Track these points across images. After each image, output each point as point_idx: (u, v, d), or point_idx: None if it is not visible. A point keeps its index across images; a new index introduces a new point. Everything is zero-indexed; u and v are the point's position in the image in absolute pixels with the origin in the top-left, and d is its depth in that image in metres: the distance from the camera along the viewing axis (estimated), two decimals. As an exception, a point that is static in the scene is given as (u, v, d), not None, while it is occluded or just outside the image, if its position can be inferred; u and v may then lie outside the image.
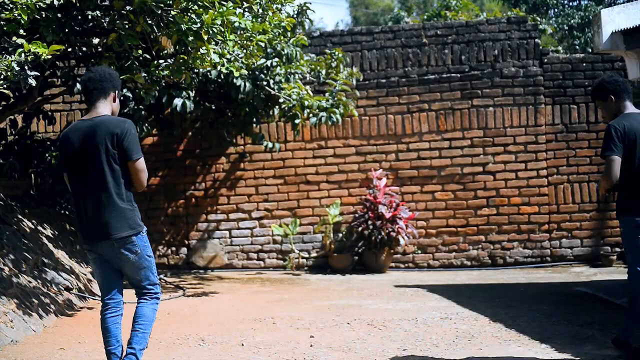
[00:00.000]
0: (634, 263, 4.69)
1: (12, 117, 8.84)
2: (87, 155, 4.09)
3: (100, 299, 4.34)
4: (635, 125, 4.68)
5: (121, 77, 6.33)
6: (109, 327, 4.19)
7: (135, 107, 8.22)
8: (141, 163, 4.16)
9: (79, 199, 4.17)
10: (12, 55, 5.15)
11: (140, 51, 6.33)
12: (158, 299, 4.29)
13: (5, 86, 5.32)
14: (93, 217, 4.11)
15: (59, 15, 5.97)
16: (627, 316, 4.80)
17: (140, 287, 4.24)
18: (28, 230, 7.63)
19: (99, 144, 4.07)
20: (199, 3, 5.77)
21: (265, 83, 8.16)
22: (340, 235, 9.86)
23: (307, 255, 9.95)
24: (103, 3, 6.20)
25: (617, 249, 9.81)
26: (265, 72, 8.09)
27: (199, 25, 5.77)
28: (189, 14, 5.81)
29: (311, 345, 5.46)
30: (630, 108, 4.81)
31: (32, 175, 9.34)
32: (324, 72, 8.83)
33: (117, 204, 4.11)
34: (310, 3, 8.94)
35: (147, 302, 4.23)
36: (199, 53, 6.05)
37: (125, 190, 4.17)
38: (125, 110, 8.41)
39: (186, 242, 10.03)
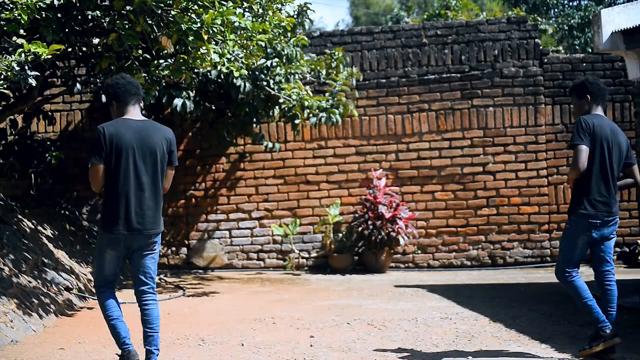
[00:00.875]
0: (564, 262, 4.96)
1: (12, 117, 8.85)
2: (143, 153, 4.47)
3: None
4: (602, 126, 4.90)
5: (121, 77, 6.34)
6: (112, 301, 4.57)
7: (135, 107, 8.21)
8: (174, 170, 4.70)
9: (123, 191, 4.40)
10: (12, 55, 5.15)
11: (140, 51, 6.33)
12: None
13: (5, 86, 5.32)
14: (139, 211, 4.43)
15: (59, 15, 5.97)
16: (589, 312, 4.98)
17: (151, 280, 4.56)
18: (28, 230, 7.63)
19: (157, 146, 4.53)
20: (199, 3, 5.77)
21: (265, 83, 8.16)
22: (340, 235, 9.86)
23: (307, 255, 9.95)
24: (103, 3, 6.20)
25: (617, 249, 9.81)
26: (265, 72, 8.09)
27: (199, 25, 5.77)
28: (189, 14, 5.81)
29: (311, 345, 5.46)
30: (599, 112, 5.03)
31: (32, 175, 9.35)
32: (324, 72, 8.83)
33: (161, 202, 4.58)
34: (311, 3, 8.95)
35: (156, 302, 4.60)
36: (199, 53, 6.05)
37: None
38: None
39: (186, 242, 10.03)
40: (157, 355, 4.50)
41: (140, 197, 4.43)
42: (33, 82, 5.27)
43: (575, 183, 4.94)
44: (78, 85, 7.71)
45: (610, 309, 4.98)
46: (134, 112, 4.66)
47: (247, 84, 7.97)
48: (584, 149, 4.81)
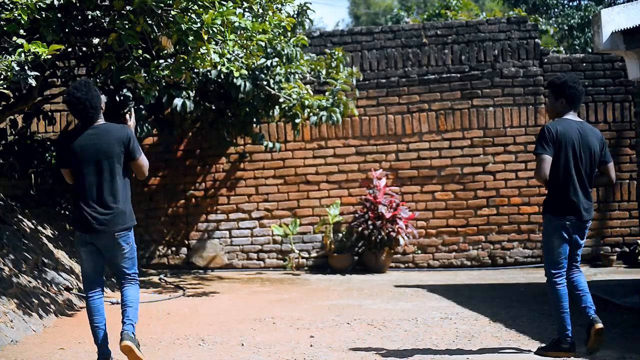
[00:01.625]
0: (548, 264, 5.06)
1: (12, 117, 8.84)
2: (98, 157, 4.79)
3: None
4: (568, 131, 4.97)
5: (121, 77, 6.35)
6: (99, 307, 4.86)
7: (135, 107, 8.22)
8: None
9: (83, 194, 4.79)
10: (12, 55, 5.15)
11: (140, 51, 6.33)
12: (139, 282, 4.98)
13: (5, 86, 5.31)
14: (98, 211, 4.76)
15: (59, 15, 5.97)
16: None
17: (128, 274, 4.87)
18: (28, 230, 7.63)
19: (109, 149, 4.79)
20: (199, 3, 5.77)
21: (265, 83, 8.16)
22: (340, 235, 9.86)
23: (307, 255, 9.95)
24: (103, 3, 6.19)
25: (617, 249, 9.81)
26: (265, 72, 8.08)
27: (199, 25, 5.77)
28: (189, 14, 5.81)
29: (311, 345, 5.46)
30: (570, 115, 5.08)
31: (32, 175, 9.34)
32: (324, 72, 8.83)
33: (122, 201, 4.86)
34: (311, 3, 8.95)
35: (132, 286, 4.88)
36: (199, 53, 6.05)
37: None
38: (125, 110, 8.42)
39: (186, 242, 10.03)
40: (133, 325, 4.72)
41: (99, 198, 4.69)
42: (33, 82, 5.27)
43: (547, 185, 5.06)
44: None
45: (580, 294, 5.04)
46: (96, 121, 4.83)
47: (247, 84, 7.97)
48: (546, 159, 4.92)
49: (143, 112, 8.24)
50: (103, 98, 4.88)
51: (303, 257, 9.92)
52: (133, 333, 4.68)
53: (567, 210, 4.96)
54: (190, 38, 5.83)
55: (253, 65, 7.60)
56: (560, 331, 4.99)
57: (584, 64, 9.92)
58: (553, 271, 5.01)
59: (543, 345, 5.14)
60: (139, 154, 4.79)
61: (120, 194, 4.73)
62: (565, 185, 4.96)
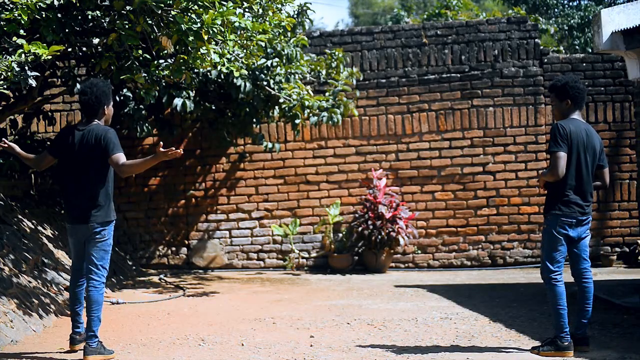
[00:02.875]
0: (548, 263, 5.07)
1: (12, 117, 8.84)
2: (81, 155, 5.20)
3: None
4: (578, 131, 5.03)
5: (121, 77, 6.35)
6: (79, 293, 5.28)
7: (135, 107, 8.22)
8: None
9: (64, 188, 5.29)
10: (12, 56, 5.15)
11: (140, 51, 6.33)
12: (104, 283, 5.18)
13: (5, 86, 5.32)
14: (76, 205, 5.19)
15: (59, 15, 5.97)
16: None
17: (95, 267, 5.11)
18: (28, 230, 7.63)
19: (88, 147, 5.15)
20: (199, 3, 5.77)
21: (265, 83, 8.15)
22: (340, 235, 9.86)
23: (307, 255, 9.95)
24: (103, 3, 6.19)
25: (617, 249, 9.82)
26: (265, 72, 8.08)
27: (199, 25, 5.76)
28: (189, 14, 5.81)
29: (311, 345, 5.46)
30: (576, 115, 5.14)
31: (32, 175, 9.34)
32: (324, 72, 8.82)
33: (99, 195, 5.19)
34: (311, 3, 8.95)
35: (96, 289, 5.09)
36: (199, 53, 6.04)
37: None
38: (125, 110, 8.42)
39: (186, 242, 10.03)
40: (91, 337, 5.01)
41: (77, 193, 5.08)
42: (33, 83, 5.27)
43: (548, 185, 5.10)
44: (78, 85, 7.69)
45: (586, 306, 5.14)
46: (84, 121, 5.26)
47: (247, 84, 7.97)
48: (563, 156, 4.96)
49: (143, 112, 8.23)
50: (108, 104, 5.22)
51: (303, 257, 9.92)
52: (93, 345, 5.03)
53: (574, 209, 5.02)
54: (190, 38, 5.83)
55: (253, 66, 7.60)
56: (558, 329, 5.01)
57: (584, 64, 9.92)
58: (552, 268, 5.04)
59: (536, 347, 5.14)
60: (112, 152, 4.97)
61: (96, 188, 5.05)
62: (573, 184, 5.01)
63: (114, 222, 5.20)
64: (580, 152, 5.01)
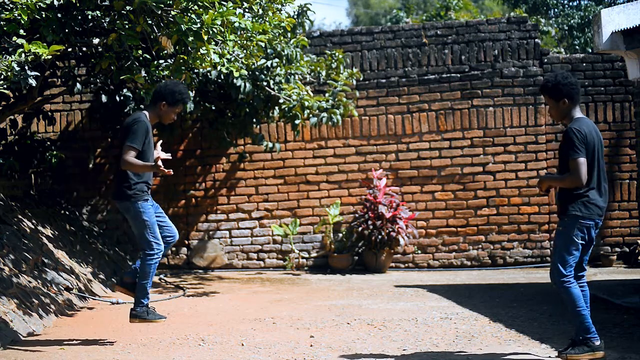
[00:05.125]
0: (560, 266, 4.87)
1: (12, 117, 8.84)
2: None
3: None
4: (591, 131, 4.86)
5: (121, 77, 6.35)
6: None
7: (135, 107, 8.22)
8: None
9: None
10: (12, 55, 5.15)
11: (140, 51, 6.33)
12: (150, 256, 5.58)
13: (5, 86, 5.31)
14: None
15: (59, 15, 5.97)
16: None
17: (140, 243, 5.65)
18: (28, 230, 7.63)
19: (121, 134, 5.60)
20: (199, 3, 5.77)
21: (265, 83, 8.15)
22: (340, 235, 9.86)
23: (307, 255, 9.95)
24: (103, 3, 6.19)
25: (617, 249, 9.82)
26: (265, 72, 8.08)
27: (199, 25, 5.76)
28: (189, 14, 5.81)
29: (311, 345, 5.46)
30: (578, 112, 4.96)
31: (32, 175, 9.35)
32: (324, 72, 8.82)
33: (120, 177, 5.62)
34: (311, 4, 8.95)
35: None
36: (199, 53, 6.04)
37: None
38: (125, 110, 8.42)
39: (186, 242, 10.02)
40: (138, 304, 5.57)
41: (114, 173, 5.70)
42: (33, 82, 5.27)
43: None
44: (78, 85, 7.71)
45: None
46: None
47: (247, 84, 7.97)
48: (583, 162, 4.77)
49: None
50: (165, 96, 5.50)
51: (303, 257, 9.92)
52: (137, 309, 5.54)
53: (593, 211, 4.85)
54: (190, 38, 5.83)
55: (253, 66, 7.60)
56: (584, 331, 4.84)
57: (584, 64, 9.92)
58: (565, 272, 4.86)
59: (564, 350, 4.93)
60: (126, 140, 5.35)
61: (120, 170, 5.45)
62: (594, 186, 4.86)
63: (138, 200, 5.49)
64: (596, 153, 4.85)
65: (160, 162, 5.44)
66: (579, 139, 4.77)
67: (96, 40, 6.49)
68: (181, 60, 6.15)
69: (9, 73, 5.10)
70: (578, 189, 4.84)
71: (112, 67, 6.38)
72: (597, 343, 4.83)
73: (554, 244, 5.08)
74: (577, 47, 17.49)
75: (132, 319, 5.56)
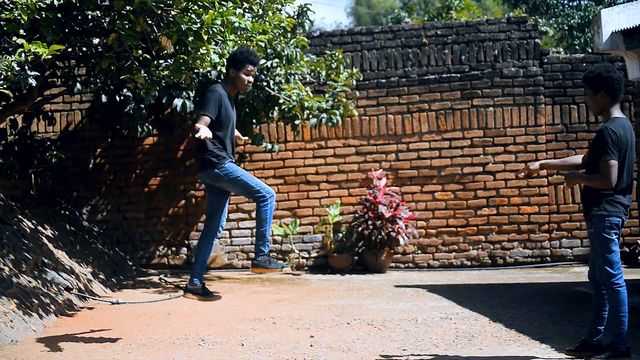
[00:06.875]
0: (608, 267, 4.79)
1: (12, 117, 8.85)
2: None
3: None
4: (626, 132, 4.75)
5: (121, 77, 6.35)
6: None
7: (135, 107, 8.22)
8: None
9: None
10: (12, 55, 5.15)
11: (140, 51, 6.33)
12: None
13: (5, 86, 5.32)
14: None
15: (59, 15, 5.97)
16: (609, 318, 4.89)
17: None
18: (28, 230, 7.63)
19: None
20: (199, 3, 5.77)
21: (265, 84, 8.16)
22: (340, 235, 9.86)
23: (307, 255, 9.95)
24: (103, 3, 6.19)
25: (617, 249, 9.80)
26: (265, 72, 8.08)
27: (199, 25, 5.76)
28: (189, 14, 5.81)
29: (311, 345, 5.46)
30: (617, 111, 4.84)
31: (32, 175, 9.35)
32: (324, 73, 8.82)
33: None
34: (311, 4, 8.95)
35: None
36: (199, 53, 6.04)
37: None
38: (125, 110, 8.42)
39: (186, 242, 10.02)
40: (259, 253, 5.63)
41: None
42: (33, 82, 5.27)
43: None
44: (78, 85, 7.71)
45: (604, 312, 4.94)
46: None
47: (247, 84, 7.96)
48: (615, 164, 4.67)
49: (143, 112, 8.23)
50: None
51: (303, 257, 9.92)
52: (258, 258, 5.56)
53: (619, 208, 4.82)
54: (190, 38, 5.82)
55: (253, 66, 7.58)
56: (618, 334, 4.75)
57: (584, 64, 9.92)
58: (613, 272, 4.75)
59: (594, 355, 4.84)
60: (199, 109, 5.51)
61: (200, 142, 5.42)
62: (625, 187, 4.80)
63: (223, 164, 5.46)
64: (628, 154, 4.75)
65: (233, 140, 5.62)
66: (613, 141, 4.67)
67: (96, 40, 6.49)
68: (181, 60, 6.15)
69: (9, 73, 5.11)
70: (605, 190, 4.77)
71: (112, 67, 6.38)
72: (623, 350, 4.76)
73: (591, 248, 5.00)
74: (577, 47, 17.49)
75: (253, 269, 5.61)
